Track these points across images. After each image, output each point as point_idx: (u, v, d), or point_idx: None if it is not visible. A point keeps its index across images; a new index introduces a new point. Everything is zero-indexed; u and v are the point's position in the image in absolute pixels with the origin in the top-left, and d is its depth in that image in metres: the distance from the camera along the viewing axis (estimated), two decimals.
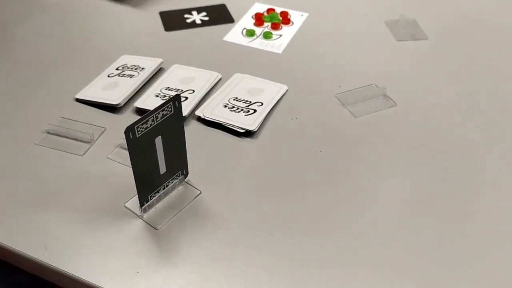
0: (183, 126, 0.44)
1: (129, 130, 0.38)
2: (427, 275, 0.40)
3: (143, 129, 0.40)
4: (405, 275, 0.40)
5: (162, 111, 0.41)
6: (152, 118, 0.40)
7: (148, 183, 0.43)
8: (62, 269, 0.40)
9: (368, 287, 0.39)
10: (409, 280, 0.40)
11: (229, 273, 0.40)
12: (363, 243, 0.43)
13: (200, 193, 0.46)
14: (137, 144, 0.40)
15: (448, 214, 0.45)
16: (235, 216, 0.45)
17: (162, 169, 0.44)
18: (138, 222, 0.44)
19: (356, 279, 0.40)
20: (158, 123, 0.41)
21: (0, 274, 0.51)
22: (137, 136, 0.39)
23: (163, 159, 0.43)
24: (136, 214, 0.44)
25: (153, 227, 0.44)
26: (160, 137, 0.42)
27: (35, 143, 0.51)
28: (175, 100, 0.41)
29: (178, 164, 0.46)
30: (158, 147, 0.42)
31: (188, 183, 0.47)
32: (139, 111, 0.55)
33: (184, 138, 0.45)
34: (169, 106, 0.41)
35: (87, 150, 0.50)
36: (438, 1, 0.75)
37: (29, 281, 0.46)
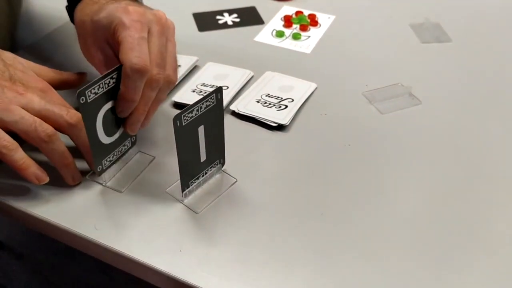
0: (223, 117, 0.47)
1: (177, 118, 0.42)
2: (454, 266, 0.43)
3: (189, 118, 0.43)
4: (432, 264, 0.43)
5: (206, 101, 0.44)
6: (197, 108, 0.43)
7: (190, 170, 0.46)
8: (112, 246, 0.43)
9: (393, 270, 0.42)
10: (438, 269, 0.43)
11: (265, 253, 0.43)
12: (388, 231, 0.45)
13: (236, 181, 0.50)
14: (183, 132, 0.43)
15: (472, 210, 0.48)
16: (270, 202, 0.48)
17: (203, 157, 0.47)
18: (179, 206, 0.47)
19: (382, 262, 0.43)
20: (201, 113, 0.44)
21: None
22: (183, 124, 0.43)
23: (204, 147, 0.46)
24: (177, 199, 0.48)
25: (193, 211, 0.47)
26: (202, 126, 0.45)
27: None
28: (218, 92, 0.44)
29: (217, 153, 0.49)
30: (200, 136, 0.45)
31: (225, 172, 0.50)
32: (177, 105, 0.58)
33: (223, 129, 0.48)
34: (212, 98, 0.44)
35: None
36: (462, 5, 0.78)
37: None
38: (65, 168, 0.47)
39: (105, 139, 0.47)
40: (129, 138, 0.50)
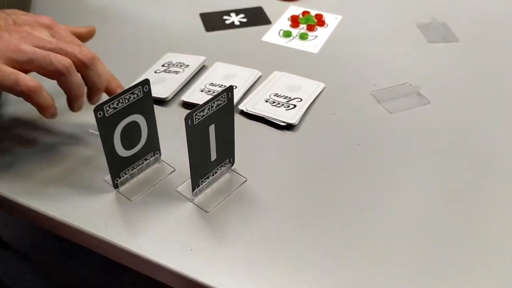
0: (234, 116, 0.47)
1: (188, 117, 0.42)
2: (466, 265, 0.43)
3: (200, 117, 0.43)
4: (442, 262, 0.43)
5: (217, 100, 0.44)
6: (208, 107, 0.43)
7: (201, 169, 0.46)
8: (123, 245, 0.44)
9: (403, 270, 0.42)
10: (450, 266, 0.43)
11: (275, 253, 0.43)
12: (397, 230, 0.45)
13: (246, 180, 0.50)
14: (194, 130, 0.43)
15: (481, 210, 0.48)
16: (280, 202, 0.48)
17: (213, 156, 0.47)
18: (190, 205, 0.47)
19: (392, 263, 0.43)
20: (212, 112, 0.44)
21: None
22: (195, 123, 0.43)
23: (215, 146, 0.46)
24: (187, 198, 0.48)
25: (203, 210, 0.47)
26: (213, 125, 0.45)
27: (89, 130, 0.54)
28: (229, 91, 0.45)
29: (227, 152, 0.49)
30: (211, 135, 0.45)
31: (234, 171, 0.50)
32: (186, 104, 0.58)
33: (234, 128, 0.48)
34: (223, 97, 0.44)
35: None
36: (468, 5, 0.78)
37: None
38: (78, 99, 0.48)
39: (123, 153, 0.46)
40: (151, 152, 0.50)
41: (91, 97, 0.50)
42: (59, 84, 0.46)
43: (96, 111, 0.42)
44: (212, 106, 0.44)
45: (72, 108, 0.49)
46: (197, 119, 0.43)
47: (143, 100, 0.46)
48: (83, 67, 0.46)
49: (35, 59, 0.44)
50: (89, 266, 1.18)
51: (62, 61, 0.44)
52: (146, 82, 0.45)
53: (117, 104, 0.44)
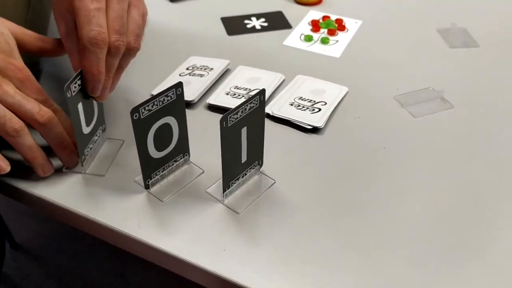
0: (265, 118, 0.47)
1: (223, 120, 0.42)
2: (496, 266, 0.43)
3: (234, 119, 0.43)
4: (462, 261, 0.43)
5: (250, 103, 0.44)
6: (241, 109, 0.44)
7: (232, 170, 0.47)
8: (156, 245, 0.44)
9: (436, 270, 0.43)
10: (474, 265, 0.43)
11: (307, 253, 0.44)
12: (424, 231, 0.46)
13: (275, 182, 0.50)
14: (228, 133, 0.43)
15: (505, 213, 0.48)
16: (309, 203, 0.48)
17: (244, 158, 0.48)
18: (220, 206, 0.48)
19: (423, 263, 0.43)
20: (245, 115, 0.44)
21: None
22: (229, 125, 0.43)
23: (246, 148, 0.47)
24: (217, 199, 0.48)
25: (234, 211, 0.47)
26: (245, 127, 0.45)
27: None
28: (261, 94, 0.45)
29: (256, 154, 0.49)
30: (243, 137, 0.46)
31: (263, 173, 0.51)
32: (211, 107, 0.59)
33: (264, 130, 0.48)
34: (256, 99, 0.45)
35: None
36: (487, 11, 0.78)
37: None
38: (33, 161, 0.48)
39: (155, 154, 0.47)
40: (181, 154, 0.51)
41: (57, 155, 0.49)
42: (10, 144, 0.46)
43: (132, 113, 0.43)
44: (245, 109, 0.44)
45: (36, 171, 0.49)
46: (231, 122, 0.43)
47: (176, 102, 0.46)
48: (39, 126, 0.47)
49: None
50: (100, 268, 1.18)
51: (15, 125, 0.45)
52: (179, 85, 0.46)
53: (152, 107, 0.44)
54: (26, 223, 1.28)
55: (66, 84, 0.44)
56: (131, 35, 0.48)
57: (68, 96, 0.45)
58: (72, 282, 1.18)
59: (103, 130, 0.54)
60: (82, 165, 0.50)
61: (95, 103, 0.51)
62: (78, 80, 0.46)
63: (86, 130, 0.49)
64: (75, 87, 0.46)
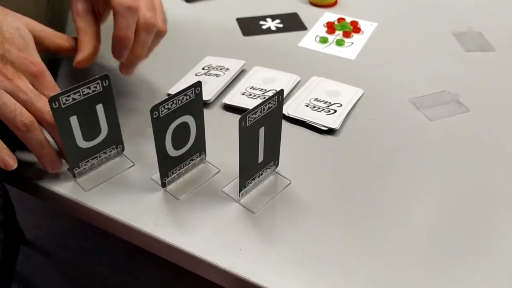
0: (282, 119, 0.48)
1: (242, 119, 0.43)
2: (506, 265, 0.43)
3: (252, 119, 0.44)
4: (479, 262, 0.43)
5: (268, 103, 0.45)
6: (260, 109, 0.44)
7: (249, 170, 0.47)
8: (173, 243, 0.44)
9: (452, 272, 0.43)
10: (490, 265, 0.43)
11: (322, 253, 0.44)
12: (439, 233, 0.46)
13: (290, 182, 0.50)
14: (247, 132, 0.44)
15: None
16: (324, 204, 0.48)
17: (260, 157, 0.48)
18: (236, 206, 0.48)
19: (438, 263, 0.43)
20: (264, 115, 0.45)
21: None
22: (247, 125, 0.43)
23: (263, 148, 0.47)
24: (233, 199, 0.49)
25: (250, 211, 0.47)
26: (263, 127, 0.46)
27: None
28: (279, 95, 0.45)
29: (273, 154, 0.50)
30: (260, 137, 0.46)
31: (278, 173, 0.51)
32: (227, 107, 0.59)
33: (281, 130, 0.49)
34: (274, 100, 0.45)
35: None
36: (502, 15, 0.78)
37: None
38: (42, 157, 0.48)
39: (172, 152, 0.48)
40: (198, 153, 0.51)
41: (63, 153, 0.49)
42: (20, 138, 0.46)
43: (152, 111, 0.43)
44: (263, 109, 0.44)
45: (44, 167, 0.49)
46: (249, 121, 0.44)
47: (195, 101, 0.47)
48: (46, 125, 0.47)
49: (2, 108, 0.44)
50: (109, 266, 1.19)
51: (25, 120, 0.45)
52: (198, 84, 0.46)
53: (171, 105, 0.45)
54: (36, 220, 1.29)
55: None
56: (160, 20, 0.52)
57: (54, 107, 0.44)
58: (83, 279, 1.19)
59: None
60: (75, 176, 0.49)
61: (103, 120, 0.49)
62: (73, 94, 0.45)
63: (83, 144, 0.48)
64: (67, 99, 0.44)
